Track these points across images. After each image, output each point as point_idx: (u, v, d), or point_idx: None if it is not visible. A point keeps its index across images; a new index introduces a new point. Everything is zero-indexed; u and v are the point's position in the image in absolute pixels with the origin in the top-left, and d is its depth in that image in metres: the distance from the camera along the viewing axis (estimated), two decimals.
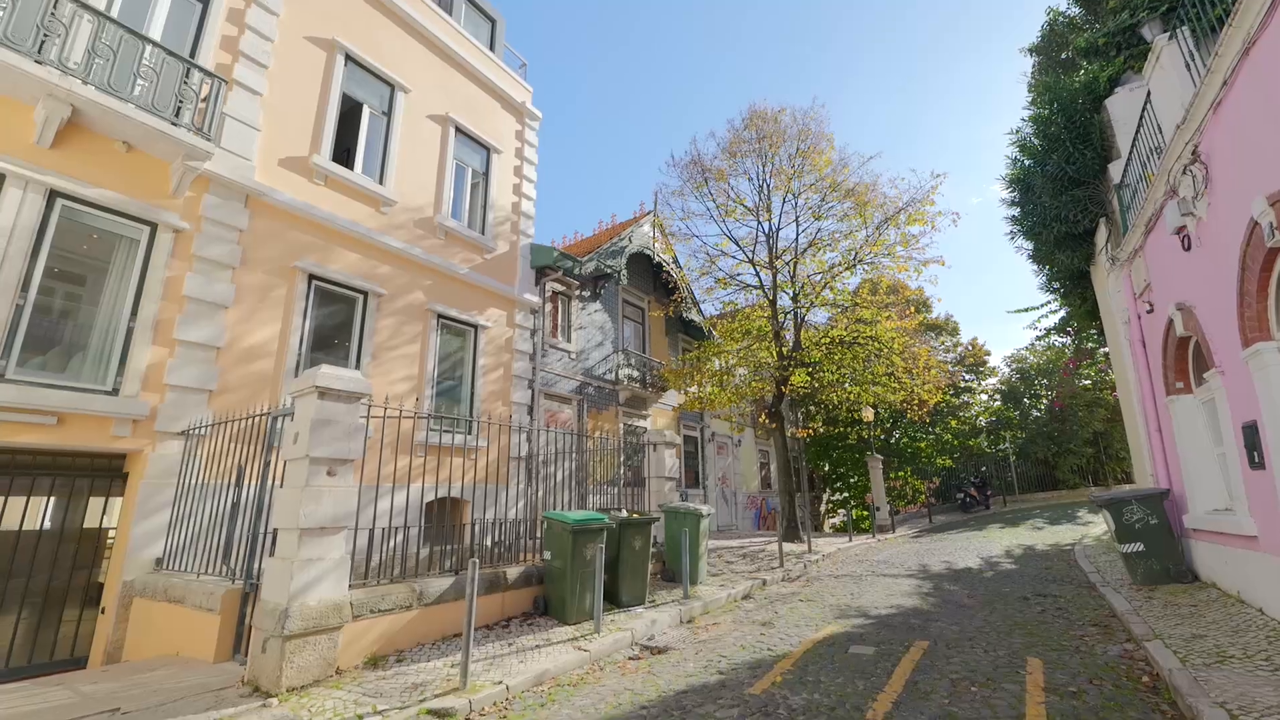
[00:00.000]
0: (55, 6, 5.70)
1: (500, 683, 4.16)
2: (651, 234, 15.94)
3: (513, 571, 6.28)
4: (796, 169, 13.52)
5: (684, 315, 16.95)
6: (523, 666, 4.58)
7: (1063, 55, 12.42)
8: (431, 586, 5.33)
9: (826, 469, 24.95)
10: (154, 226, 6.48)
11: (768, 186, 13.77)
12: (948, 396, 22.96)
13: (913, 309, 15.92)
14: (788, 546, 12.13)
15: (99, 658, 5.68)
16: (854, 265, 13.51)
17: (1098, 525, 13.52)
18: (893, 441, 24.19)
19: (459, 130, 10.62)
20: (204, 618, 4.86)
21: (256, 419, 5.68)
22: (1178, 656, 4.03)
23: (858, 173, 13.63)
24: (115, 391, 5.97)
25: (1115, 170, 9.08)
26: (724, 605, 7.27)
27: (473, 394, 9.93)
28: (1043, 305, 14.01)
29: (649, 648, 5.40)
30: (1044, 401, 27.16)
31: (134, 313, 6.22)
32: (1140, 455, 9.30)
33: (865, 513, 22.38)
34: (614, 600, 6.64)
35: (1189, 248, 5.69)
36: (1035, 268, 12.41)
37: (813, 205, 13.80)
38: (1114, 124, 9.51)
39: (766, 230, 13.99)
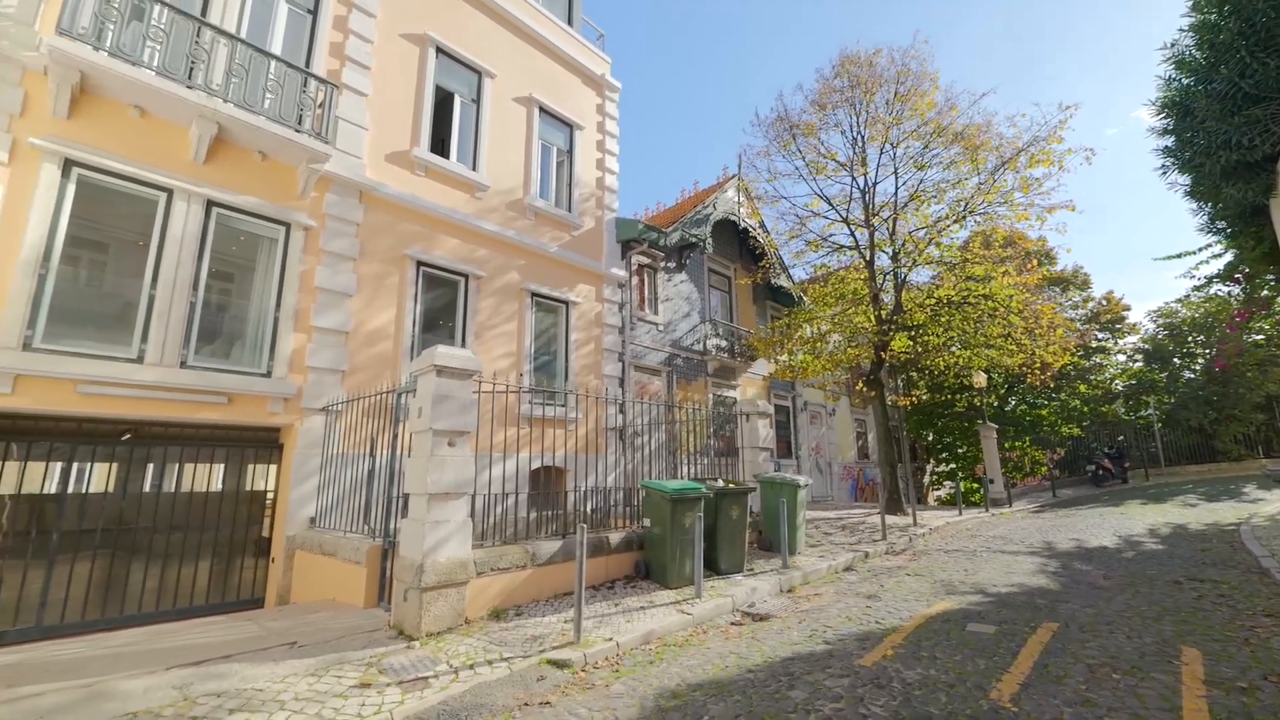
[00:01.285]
0: (198, 35, 6.43)
1: (611, 639, 4.41)
2: (736, 199, 15.46)
3: (615, 537, 6.56)
4: (895, 115, 12.45)
5: (772, 281, 16.41)
6: (630, 626, 4.81)
7: None
8: (543, 549, 5.71)
9: (930, 439, 23.44)
10: (288, 226, 7.25)
11: (862, 138, 12.82)
12: (1075, 358, 20.58)
13: (1034, 262, 14.32)
14: (890, 519, 11.65)
15: (272, 600, 6.67)
16: (963, 217, 12.31)
17: (1271, 503, 11.68)
18: (1008, 409, 22.21)
19: (543, 110, 10.81)
20: (352, 569, 5.55)
21: (383, 395, 6.28)
22: None
23: (967, 113, 12.32)
24: (269, 374, 6.85)
25: None
26: (824, 576, 7.16)
27: (567, 368, 10.32)
28: (1202, 249, 11.95)
29: (750, 614, 5.46)
30: (1200, 361, 23.57)
31: (278, 304, 7.05)
32: None
33: (975, 485, 20.87)
34: (712, 567, 6.76)
35: None
36: (1193, 206, 10.55)
37: (914, 154, 12.69)
38: None
39: (862, 186, 13.10)
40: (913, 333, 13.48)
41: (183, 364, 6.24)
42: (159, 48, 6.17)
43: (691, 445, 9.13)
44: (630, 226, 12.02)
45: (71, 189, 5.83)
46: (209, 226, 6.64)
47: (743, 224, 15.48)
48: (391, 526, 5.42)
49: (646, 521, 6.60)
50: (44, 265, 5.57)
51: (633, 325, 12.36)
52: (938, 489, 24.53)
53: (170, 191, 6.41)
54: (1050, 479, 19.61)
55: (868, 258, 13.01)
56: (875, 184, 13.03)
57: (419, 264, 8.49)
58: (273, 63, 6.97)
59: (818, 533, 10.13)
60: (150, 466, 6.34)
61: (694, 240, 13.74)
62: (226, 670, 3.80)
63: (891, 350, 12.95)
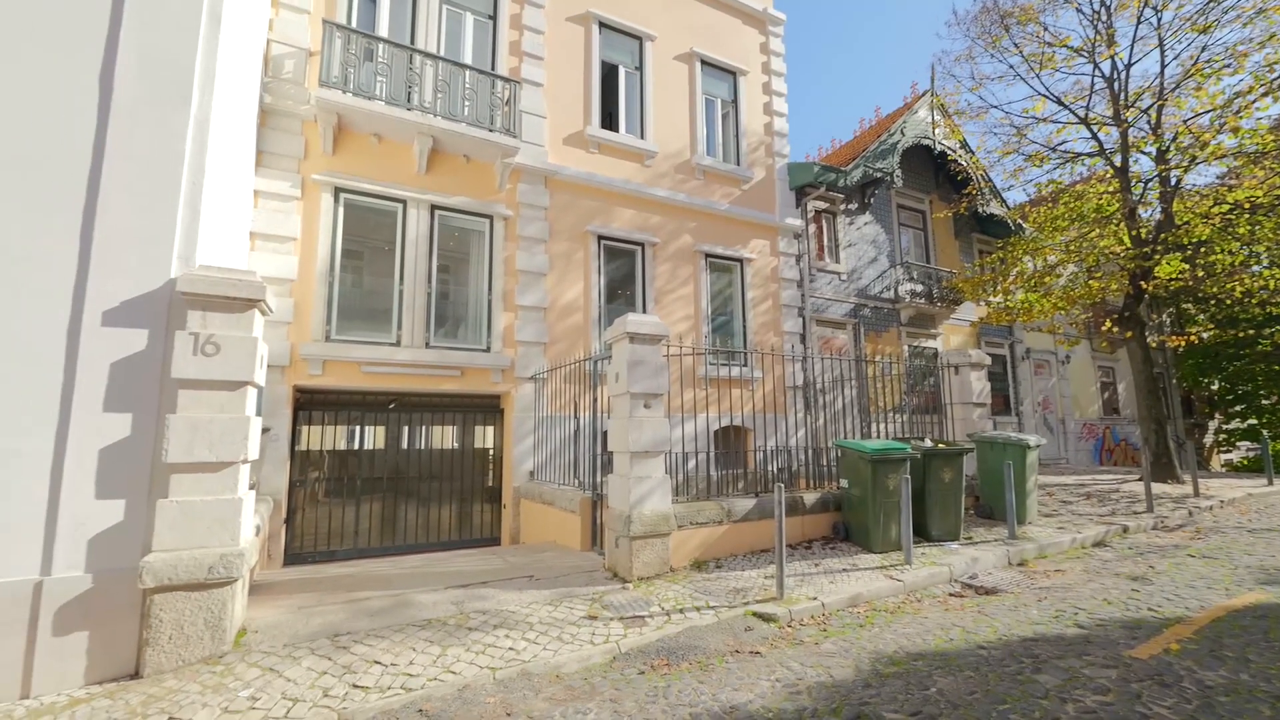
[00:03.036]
0: (411, 61, 7.46)
1: (815, 599, 4.33)
2: (929, 119, 13.39)
3: (809, 497, 6.38)
4: None
5: (980, 210, 14.05)
6: (833, 587, 4.67)
7: None
8: (737, 506, 5.81)
9: (1216, 388, 18.31)
10: (491, 218, 8.20)
11: (1107, 8, 10.07)
12: None
13: None
14: (1158, 487, 9.46)
15: (506, 539, 7.88)
16: (1277, 86, 9.01)
17: None
18: None
19: (704, 62, 10.49)
20: (568, 517, 6.27)
21: (580, 363, 6.87)
22: None
23: None
24: (489, 349, 7.94)
25: None
26: (1067, 551, 6.11)
27: (745, 327, 10.16)
28: None
29: (972, 586, 4.91)
30: None
31: (490, 288, 8.08)
32: None
33: None
34: (922, 534, 6.21)
35: None
36: None
37: (1190, 13, 9.59)
38: None
39: (1107, 72, 10.38)
40: (1189, 252, 10.47)
41: (426, 345, 7.53)
42: (385, 80, 7.31)
43: (885, 402, 8.40)
44: (804, 171, 11.21)
45: (341, 211, 7.31)
46: (434, 227, 7.81)
47: (939, 147, 13.40)
48: (597, 480, 5.97)
49: (844, 482, 6.28)
50: (331, 274, 7.12)
51: (812, 277, 11.64)
52: (1227, 451, 19.20)
53: (404, 202, 7.67)
54: None
55: (1118, 164, 10.33)
56: (1129, 65, 10.20)
57: (599, 238, 8.99)
58: (467, 72, 7.81)
59: (1053, 501, 8.67)
60: (406, 429, 7.84)
61: (879, 175, 12.32)
62: (486, 594, 4.60)
63: (1156, 278, 10.23)
